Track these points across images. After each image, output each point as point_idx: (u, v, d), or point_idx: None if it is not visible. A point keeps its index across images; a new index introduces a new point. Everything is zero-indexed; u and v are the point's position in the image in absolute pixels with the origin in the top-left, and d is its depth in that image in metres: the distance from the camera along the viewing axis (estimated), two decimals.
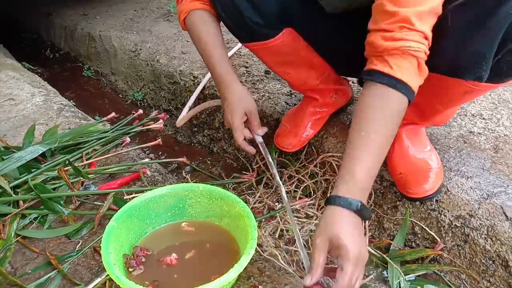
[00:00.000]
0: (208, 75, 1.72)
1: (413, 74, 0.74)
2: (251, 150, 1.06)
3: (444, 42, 0.79)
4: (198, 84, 1.73)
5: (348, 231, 0.69)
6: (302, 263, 0.83)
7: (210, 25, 1.01)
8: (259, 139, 1.07)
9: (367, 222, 1.15)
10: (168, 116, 1.52)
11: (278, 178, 1.01)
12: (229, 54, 1.85)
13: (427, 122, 1.12)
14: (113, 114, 1.63)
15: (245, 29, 1.01)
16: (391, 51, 0.73)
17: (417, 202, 1.09)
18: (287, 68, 1.17)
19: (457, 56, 0.81)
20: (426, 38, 0.74)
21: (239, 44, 1.91)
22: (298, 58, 1.12)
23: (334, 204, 0.71)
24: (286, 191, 1.28)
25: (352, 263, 0.68)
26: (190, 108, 1.63)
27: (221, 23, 1.04)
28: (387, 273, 1.04)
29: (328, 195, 0.68)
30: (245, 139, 1.05)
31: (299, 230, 1.14)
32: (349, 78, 1.35)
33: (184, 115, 1.41)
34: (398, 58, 0.72)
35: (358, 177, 0.71)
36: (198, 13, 1.00)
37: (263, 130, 1.07)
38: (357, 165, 0.72)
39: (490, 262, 0.98)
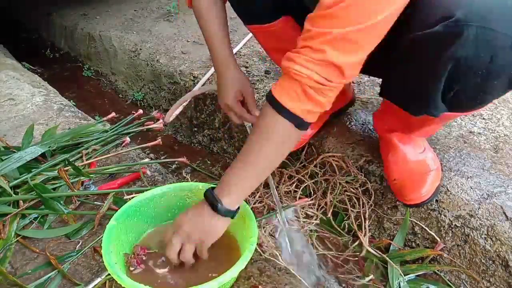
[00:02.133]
0: (207, 75, 1.72)
1: (296, 99, 0.72)
2: (252, 119, 1.01)
3: (392, 73, 0.78)
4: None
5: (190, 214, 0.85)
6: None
7: (213, 7, 1.00)
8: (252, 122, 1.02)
9: (367, 222, 1.15)
10: (164, 116, 1.52)
11: None
12: None
13: (414, 134, 1.08)
14: (113, 114, 1.62)
15: (243, 11, 1.02)
16: (284, 70, 0.73)
17: None
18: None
19: (401, 91, 0.79)
20: (328, 64, 0.68)
21: (240, 45, 1.92)
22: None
23: (207, 197, 0.83)
24: (286, 191, 1.28)
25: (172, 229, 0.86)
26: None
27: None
28: (387, 273, 1.04)
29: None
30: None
31: (299, 230, 1.15)
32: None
33: (172, 108, 1.40)
34: (286, 78, 0.72)
35: (238, 190, 0.82)
36: None
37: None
38: (240, 180, 0.81)
39: (490, 262, 0.98)
